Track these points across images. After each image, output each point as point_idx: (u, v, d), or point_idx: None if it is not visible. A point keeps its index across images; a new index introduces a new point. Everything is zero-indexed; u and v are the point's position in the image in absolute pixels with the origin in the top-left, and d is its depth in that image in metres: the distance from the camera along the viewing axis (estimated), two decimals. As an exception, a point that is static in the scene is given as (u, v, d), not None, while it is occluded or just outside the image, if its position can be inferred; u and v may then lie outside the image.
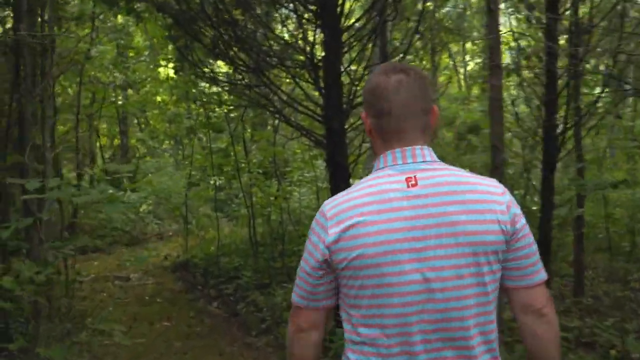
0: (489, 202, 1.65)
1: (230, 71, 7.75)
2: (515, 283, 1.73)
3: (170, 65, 9.85)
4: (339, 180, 6.32)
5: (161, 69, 15.17)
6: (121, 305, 7.98)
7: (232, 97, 8.21)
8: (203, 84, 9.67)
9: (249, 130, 11.97)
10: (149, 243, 12.55)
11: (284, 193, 9.87)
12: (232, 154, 9.96)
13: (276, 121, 10.65)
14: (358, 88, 6.47)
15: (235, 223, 13.28)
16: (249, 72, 6.57)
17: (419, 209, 1.61)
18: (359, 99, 6.56)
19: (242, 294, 8.48)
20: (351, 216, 1.63)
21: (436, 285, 1.60)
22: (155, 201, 14.16)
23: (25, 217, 9.25)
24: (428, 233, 1.60)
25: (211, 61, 7.75)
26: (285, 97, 6.70)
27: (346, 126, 6.58)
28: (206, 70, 6.97)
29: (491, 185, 1.70)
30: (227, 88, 7.27)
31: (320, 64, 6.47)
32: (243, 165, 10.38)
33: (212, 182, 10.42)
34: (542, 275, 1.75)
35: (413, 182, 1.64)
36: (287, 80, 7.40)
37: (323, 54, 6.42)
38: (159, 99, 15.79)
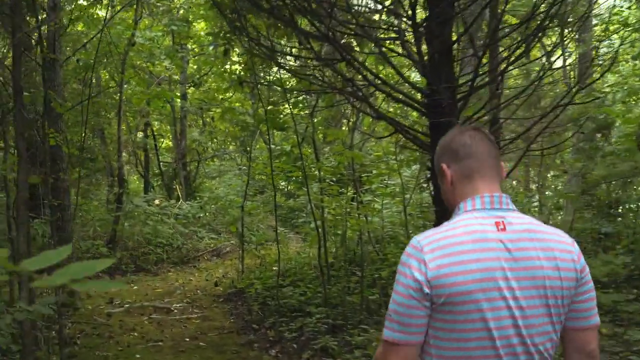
0: (565, 251, 1.74)
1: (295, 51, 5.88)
2: (576, 324, 1.80)
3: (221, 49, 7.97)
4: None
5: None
6: (152, 353, 6.17)
7: (299, 83, 6.22)
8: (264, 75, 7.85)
9: (320, 129, 10.04)
10: (201, 262, 10.77)
11: (364, 209, 7.88)
12: (299, 157, 8.05)
13: (352, 118, 8.68)
14: (484, 62, 4.40)
15: (303, 236, 11.44)
16: (322, 42, 4.64)
17: (510, 252, 1.68)
18: (484, 79, 4.53)
19: (309, 338, 6.57)
20: (451, 253, 1.66)
21: (522, 322, 1.66)
22: (211, 211, 12.47)
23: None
24: (518, 275, 1.66)
25: (268, 34, 5.80)
26: (372, 78, 4.68)
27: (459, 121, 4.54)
28: (263, 42, 5.03)
29: (563, 236, 1.79)
30: (292, 66, 5.32)
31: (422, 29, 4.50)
32: (313, 171, 8.50)
33: (270, 191, 8.55)
34: (598, 318, 1.83)
35: (502, 226, 1.71)
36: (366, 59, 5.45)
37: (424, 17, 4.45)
38: (226, 95, 14.10)
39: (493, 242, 1.68)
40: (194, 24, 12.62)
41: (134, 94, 10.05)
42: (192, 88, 14.84)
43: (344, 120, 10.98)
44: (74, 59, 7.64)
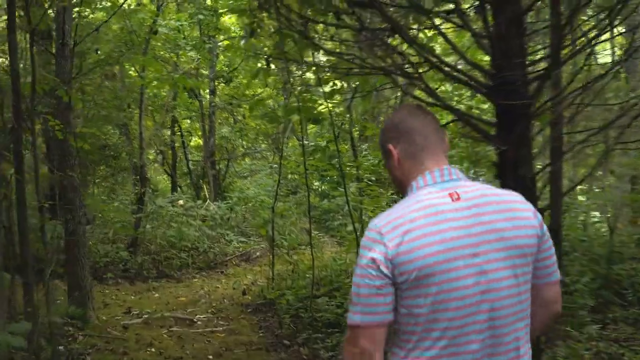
0: (521, 210, 1.78)
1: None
2: (541, 281, 1.84)
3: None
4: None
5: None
6: (169, 374, 5.46)
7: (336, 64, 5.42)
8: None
9: (357, 124, 9.25)
10: (228, 267, 10.05)
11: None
12: (336, 154, 7.26)
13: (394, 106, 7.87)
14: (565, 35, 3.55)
15: (339, 240, 10.67)
16: (362, 8, 3.89)
17: (467, 219, 1.70)
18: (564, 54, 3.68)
19: (347, 356, 5.75)
20: (409, 229, 1.67)
21: (488, 287, 1.68)
22: (241, 213, 11.75)
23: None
24: (479, 240, 1.69)
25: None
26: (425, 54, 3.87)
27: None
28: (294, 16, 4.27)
29: (516, 196, 1.84)
30: (326, 40, 4.57)
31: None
32: (350, 169, 7.74)
33: (304, 191, 7.82)
34: (559, 273, 1.90)
35: (456, 196, 1.74)
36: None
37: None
38: (256, 90, 13.40)
39: (450, 213, 1.70)
40: (223, 16, 11.94)
41: (151, 80, 9.33)
42: (222, 84, 14.20)
43: (382, 114, 10.19)
44: (88, 48, 7.04)
